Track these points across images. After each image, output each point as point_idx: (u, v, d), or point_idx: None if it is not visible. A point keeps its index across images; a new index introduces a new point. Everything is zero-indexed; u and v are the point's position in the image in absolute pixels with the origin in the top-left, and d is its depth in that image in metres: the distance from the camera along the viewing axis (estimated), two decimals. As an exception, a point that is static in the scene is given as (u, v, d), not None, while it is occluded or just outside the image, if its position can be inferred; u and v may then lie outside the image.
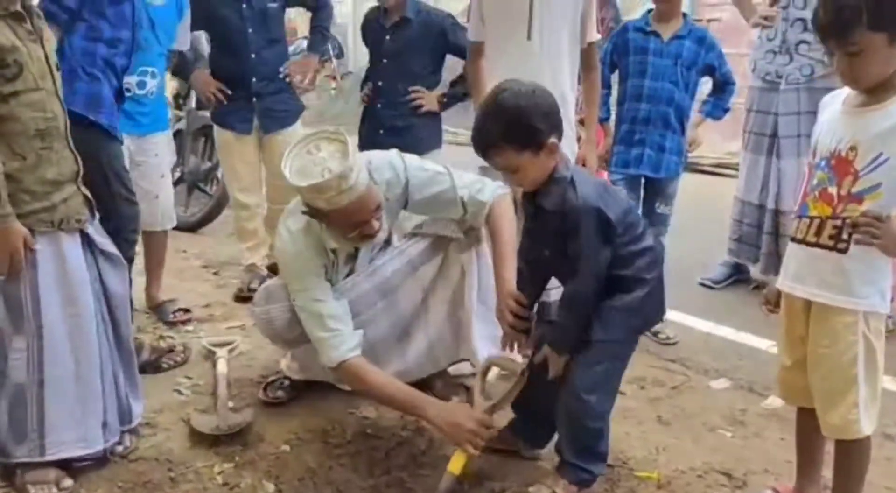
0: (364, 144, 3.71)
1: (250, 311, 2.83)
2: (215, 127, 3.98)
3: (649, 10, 3.56)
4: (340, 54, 13.09)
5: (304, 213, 2.36)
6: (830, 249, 1.87)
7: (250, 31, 3.71)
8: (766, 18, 3.78)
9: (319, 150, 2.24)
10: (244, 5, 3.68)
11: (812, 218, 1.91)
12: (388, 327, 2.72)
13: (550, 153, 2.04)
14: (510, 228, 2.52)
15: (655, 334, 3.52)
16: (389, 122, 3.76)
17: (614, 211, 2.03)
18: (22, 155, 2.16)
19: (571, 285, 2.13)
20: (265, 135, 3.85)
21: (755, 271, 4.19)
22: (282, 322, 2.60)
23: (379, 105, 3.79)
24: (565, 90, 3.02)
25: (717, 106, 3.66)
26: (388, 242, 2.72)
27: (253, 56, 3.72)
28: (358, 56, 12.33)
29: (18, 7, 2.14)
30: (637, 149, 3.47)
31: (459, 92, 3.77)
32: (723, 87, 3.62)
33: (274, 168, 3.80)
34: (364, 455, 2.60)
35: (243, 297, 3.88)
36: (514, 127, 2.01)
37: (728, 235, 4.23)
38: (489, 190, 2.56)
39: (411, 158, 2.59)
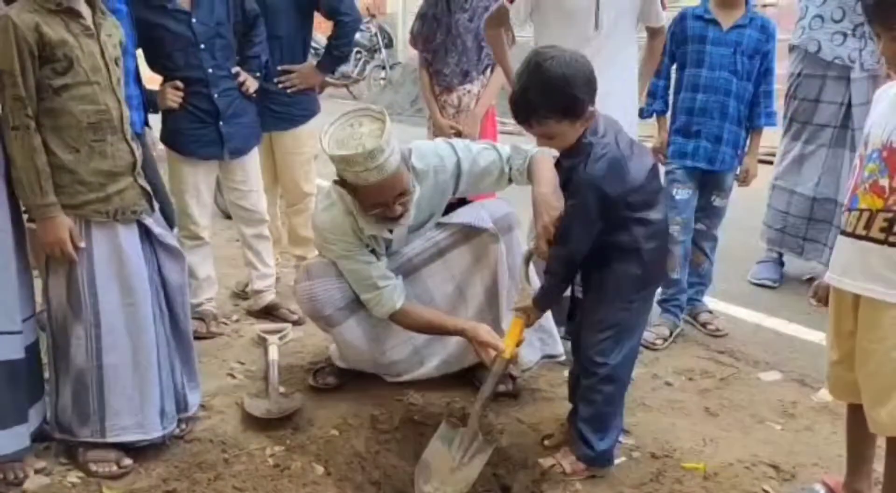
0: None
1: (293, 289, 2.89)
2: None
3: None
4: (389, 44, 13.19)
5: (335, 182, 2.42)
6: (881, 242, 1.83)
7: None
8: None
9: (362, 125, 2.31)
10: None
11: (862, 211, 1.87)
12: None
13: (587, 120, 2.11)
14: (550, 169, 2.40)
15: (704, 325, 3.49)
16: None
17: (619, 187, 2.10)
18: (75, 147, 2.23)
19: (554, 249, 2.23)
20: (268, 133, 3.69)
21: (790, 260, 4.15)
22: (323, 298, 2.67)
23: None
24: (634, 72, 3.15)
25: (769, 114, 3.41)
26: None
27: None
28: (408, 46, 12.39)
29: (73, 3, 2.19)
30: (694, 140, 3.36)
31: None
32: (763, 80, 3.35)
33: (283, 167, 3.75)
34: (411, 441, 2.65)
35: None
36: (559, 96, 2.05)
37: (764, 221, 4.14)
38: (530, 148, 2.57)
39: (457, 142, 2.66)
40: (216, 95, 3.27)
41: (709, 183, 3.44)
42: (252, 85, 3.39)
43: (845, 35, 3.70)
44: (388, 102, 10.93)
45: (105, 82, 2.26)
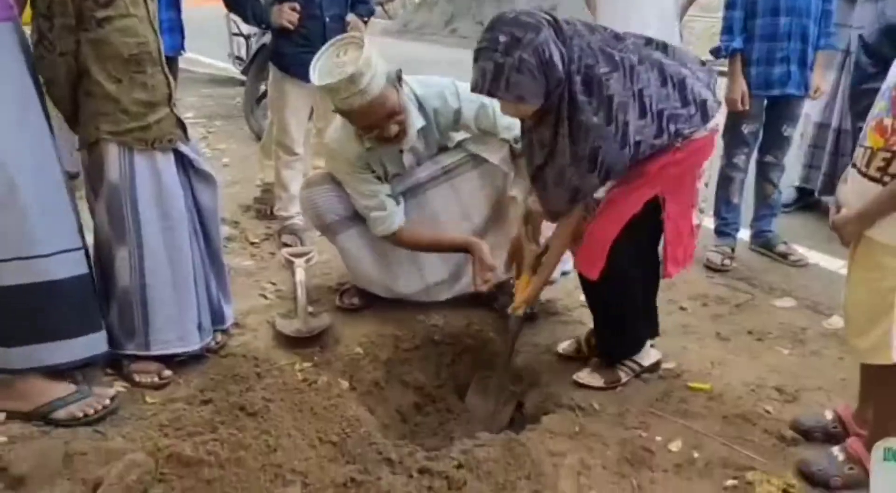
0: None
1: (298, 199, 3.02)
2: None
3: None
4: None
5: (334, 111, 2.52)
6: (876, 181, 1.82)
7: None
8: None
9: (346, 53, 2.42)
10: None
11: (866, 148, 1.86)
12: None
13: None
14: None
15: (785, 256, 3.51)
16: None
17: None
18: (118, 78, 2.32)
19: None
20: None
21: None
22: (324, 206, 2.83)
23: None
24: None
25: (828, 34, 3.28)
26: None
27: None
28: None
29: None
30: (781, 67, 3.23)
31: None
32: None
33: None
34: (432, 359, 2.80)
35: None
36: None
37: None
38: None
39: (465, 89, 2.62)
40: (328, 20, 3.43)
41: (781, 112, 3.37)
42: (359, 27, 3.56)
43: None
44: (422, 22, 10.76)
45: (143, 14, 2.34)
